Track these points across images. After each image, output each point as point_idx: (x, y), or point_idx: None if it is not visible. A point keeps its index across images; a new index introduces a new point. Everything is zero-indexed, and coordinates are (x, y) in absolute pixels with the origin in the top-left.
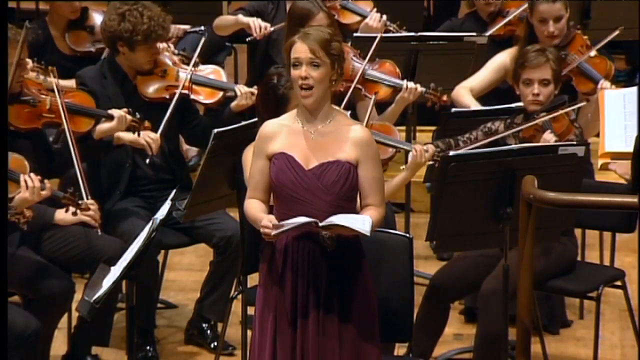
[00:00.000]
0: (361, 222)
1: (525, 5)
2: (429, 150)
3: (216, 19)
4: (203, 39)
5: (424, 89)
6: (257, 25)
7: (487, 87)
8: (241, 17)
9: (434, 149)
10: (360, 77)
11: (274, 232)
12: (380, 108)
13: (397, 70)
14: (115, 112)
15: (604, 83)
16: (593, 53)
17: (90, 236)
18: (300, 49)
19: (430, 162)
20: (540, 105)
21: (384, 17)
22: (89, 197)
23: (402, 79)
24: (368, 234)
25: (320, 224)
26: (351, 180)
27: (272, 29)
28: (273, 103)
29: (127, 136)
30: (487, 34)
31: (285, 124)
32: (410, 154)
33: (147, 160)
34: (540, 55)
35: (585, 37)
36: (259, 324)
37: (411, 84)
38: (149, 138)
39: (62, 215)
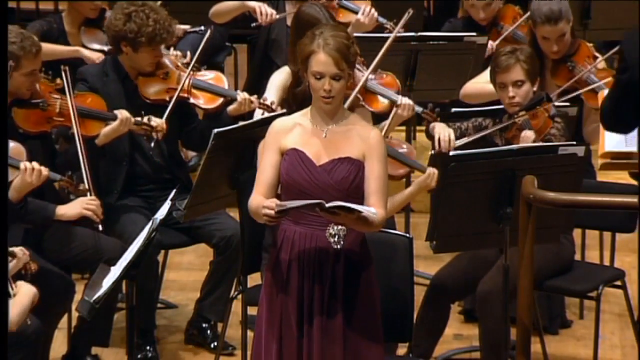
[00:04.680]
0: (367, 208)
1: (520, 22)
2: (437, 174)
3: (214, 6)
4: (206, 37)
5: (420, 109)
6: (265, 12)
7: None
8: (248, 2)
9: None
10: (361, 87)
11: (276, 214)
12: (377, 120)
13: (398, 83)
14: (119, 112)
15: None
16: (601, 65)
17: (90, 236)
18: (324, 62)
19: (431, 152)
20: (519, 106)
21: (375, 12)
22: (92, 194)
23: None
24: (376, 216)
25: (327, 205)
26: (361, 177)
27: (277, 16)
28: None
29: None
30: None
31: (297, 121)
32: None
33: (152, 144)
34: (510, 57)
35: (591, 44)
36: (266, 330)
37: (405, 100)
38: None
39: (63, 210)
